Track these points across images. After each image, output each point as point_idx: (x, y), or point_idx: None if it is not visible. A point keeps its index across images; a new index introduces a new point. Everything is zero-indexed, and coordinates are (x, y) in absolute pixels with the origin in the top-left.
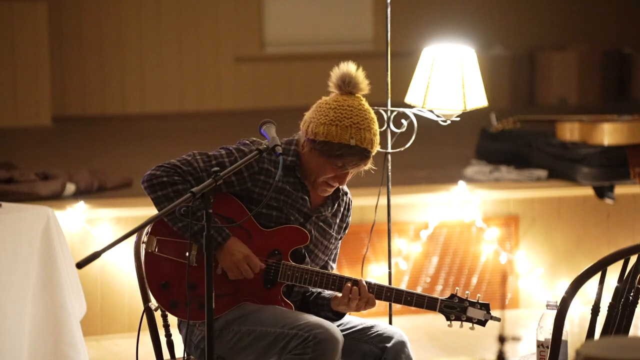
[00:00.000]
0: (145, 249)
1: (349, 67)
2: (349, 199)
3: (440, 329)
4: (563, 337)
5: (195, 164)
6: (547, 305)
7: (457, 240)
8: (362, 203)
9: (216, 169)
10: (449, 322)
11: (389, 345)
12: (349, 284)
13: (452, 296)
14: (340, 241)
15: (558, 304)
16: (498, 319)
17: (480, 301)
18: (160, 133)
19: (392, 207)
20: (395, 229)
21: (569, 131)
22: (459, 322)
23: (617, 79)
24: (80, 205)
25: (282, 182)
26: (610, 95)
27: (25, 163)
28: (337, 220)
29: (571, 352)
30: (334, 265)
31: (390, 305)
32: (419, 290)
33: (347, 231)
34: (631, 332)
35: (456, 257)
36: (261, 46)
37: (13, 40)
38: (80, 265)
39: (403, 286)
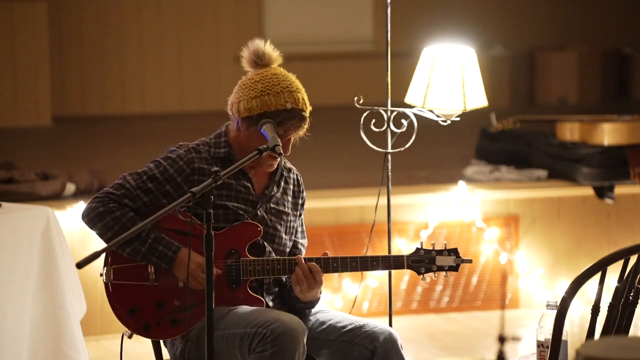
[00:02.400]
0: (104, 282)
1: (256, 43)
2: (297, 174)
3: (440, 329)
4: (563, 337)
5: (127, 185)
6: (547, 305)
7: (457, 241)
8: (362, 203)
9: (216, 169)
10: (421, 276)
11: (378, 344)
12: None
13: (417, 249)
14: (300, 217)
15: (558, 304)
16: (469, 261)
17: (447, 248)
18: (160, 133)
19: (392, 207)
20: (395, 229)
21: (569, 131)
22: (432, 274)
23: (617, 79)
24: (80, 205)
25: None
26: (610, 95)
27: (25, 163)
28: (289, 198)
29: (571, 352)
30: (305, 242)
31: (390, 306)
32: (418, 290)
33: (304, 207)
34: (631, 332)
35: None
36: None
37: (13, 40)
38: (80, 265)
39: (403, 286)
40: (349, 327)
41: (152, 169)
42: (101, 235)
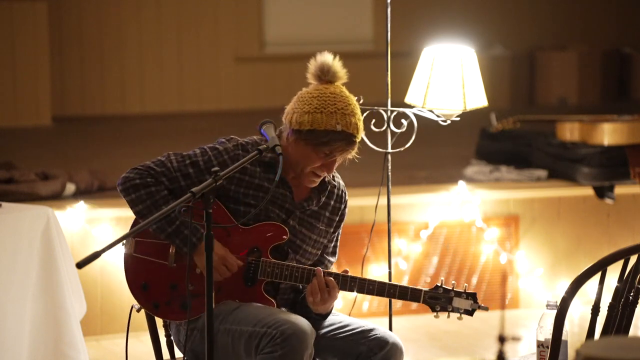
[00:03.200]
0: (125, 252)
1: (326, 57)
2: (342, 191)
3: (440, 329)
4: (563, 337)
5: (168, 164)
6: (547, 305)
7: (457, 240)
8: (362, 203)
9: (216, 169)
10: (435, 314)
11: (385, 349)
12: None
13: (437, 287)
14: (336, 234)
15: (558, 304)
16: (486, 308)
17: (466, 291)
18: (160, 133)
19: (392, 207)
20: (395, 229)
21: (569, 131)
22: (446, 313)
23: (617, 79)
24: (80, 205)
25: (260, 179)
26: (610, 95)
27: (25, 163)
28: (327, 214)
29: (571, 352)
30: (333, 260)
31: (390, 306)
32: None
33: (341, 225)
34: (631, 332)
35: (456, 257)
36: (261, 46)
37: (13, 40)
38: (80, 265)
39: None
40: (359, 328)
41: (197, 155)
42: (132, 206)
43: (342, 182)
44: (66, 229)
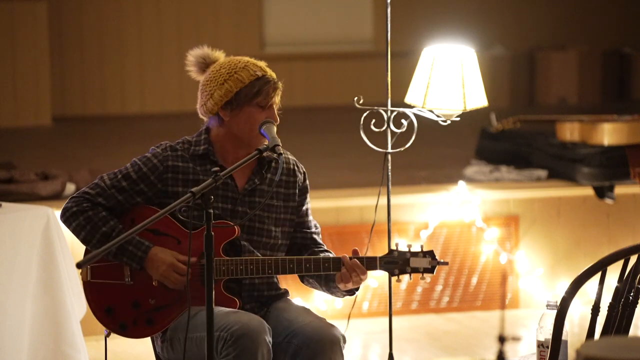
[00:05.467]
0: (82, 280)
1: (195, 50)
2: (294, 164)
3: (440, 329)
4: (563, 337)
5: (102, 184)
6: (547, 305)
7: (457, 240)
8: (362, 203)
9: (216, 169)
10: (396, 277)
11: (314, 342)
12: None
13: (392, 251)
14: (305, 209)
15: (558, 304)
16: (445, 263)
17: (423, 250)
18: (160, 133)
19: (392, 207)
20: (395, 229)
21: (569, 131)
22: (407, 275)
23: (617, 79)
24: None
25: (194, 174)
26: (610, 95)
27: (25, 163)
28: (282, 190)
29: (571, 352)
30: (318, 231)
31: (390, 306)
32: (418, 290)
33: (306, 195)
34: (631, 332)
35: (456, 257)
36: (261, 46)
37: (13, 40)
38: (80, 265)
39: (403, 286)
40: (294, 327)
41: (128, 168)
42: (76, 235)
43: (293, 157)
44: (66, 229)
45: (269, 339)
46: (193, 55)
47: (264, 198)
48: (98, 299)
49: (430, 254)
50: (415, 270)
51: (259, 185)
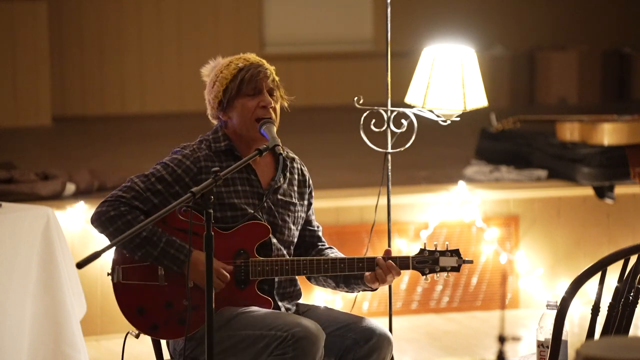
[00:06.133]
0: (112, 281)
1: (207, 67)
2: (300, 164)
3: (440, 329)
4: (563, 337)
5: (136, 188)
6: (547, 305)
7: (457, 240)
8: (362, 203)
9: (216, 169)
10: (424, 277)
11: (371, 341)
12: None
13: (422, 250)
14: (309, 207)
15: (558, 304)
16: (470, 261)
17: (449, 249)
18: (160, 133)
19: (392, 207)
20: (395, 229)
21: (569, 131)
22: (435, 274)
23: (617, 79)
24: (80, 205)
25: (222, 170)
26: (610, 95)
27: (25, 163)
28: (295, 189)
29: (571, 352)
30: (320, 228)
31: (390, 306)
32: (418, 290)
33: (312, 196)
34: (631, 332)
35: None
36: (261, 46)
37: (13, 40)
38: (80, 265)
39: (403, 286)
40: (345, 322)
41: (160, 170)
42: (112, 239)
43: (297, 157)
44: (66, 229)
45: (323, 344)
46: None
47: (285, 197)
48: (130, 299)
49: (457, 252)
50: (443, 269)
51: (282, 184)
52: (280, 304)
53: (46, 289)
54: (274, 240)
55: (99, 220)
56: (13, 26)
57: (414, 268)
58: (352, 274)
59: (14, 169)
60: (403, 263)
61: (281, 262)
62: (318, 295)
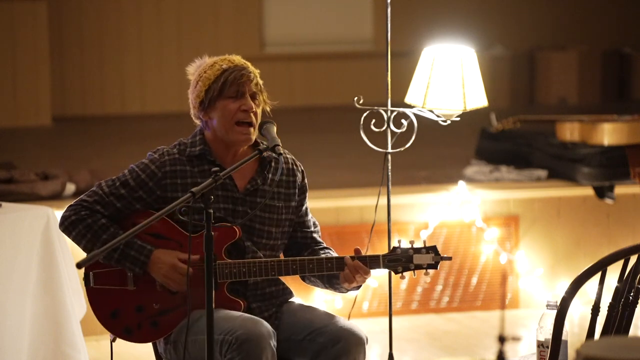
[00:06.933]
0: (85, 286)
1: (192, 65)
2: (293, 164)
3: (440, 329)
4: (563, 337)
5: (100, 192)
6: (547, 305)
7: (457, 240)
8: (362, 203)
9: (215, 169)
10: (400, 275)
11: (338, 344)
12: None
13: (394, 248)
14: (304, 208)
15: (558, 304)
16: (449, 258)
17: (425, 245)
18: (160, 133)
19: (392, 207)
20: (395, 229)
21: (569, 131)
22: (411, 272)
23: (617, 79)
24: None
25: (192, 177)
26: (610, 95)
27: (25, 163)
28: (282, 190)
29: (571, 352)
30: (317, 230)
31: (390, 306)
32: (418, 290)
33: (305, 195)
34: (631, 332)
35: (456, 257)
36: (261, 46)
37: (13, 40)
38: (80, 265)
39: (403, 286)
40: (317, 325)
41: (126, 174)
42: (77, 243)
43: (291, 156)
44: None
45: (273, 342)
46: (190, 72)
47: (265, 198)
48: (102, 304)
49: (434, 249)
50: (418, 267)
51: (260, 186)
52: (253, 305)
53: (46, 289)
54: (248, 243)
55: (63, 225)
56: (13, 26)
57: (385, 267)
58: (332, 273)
59: (14, 169)
60: (373, 262)
61: (249, 264)
62: (318, 295)
